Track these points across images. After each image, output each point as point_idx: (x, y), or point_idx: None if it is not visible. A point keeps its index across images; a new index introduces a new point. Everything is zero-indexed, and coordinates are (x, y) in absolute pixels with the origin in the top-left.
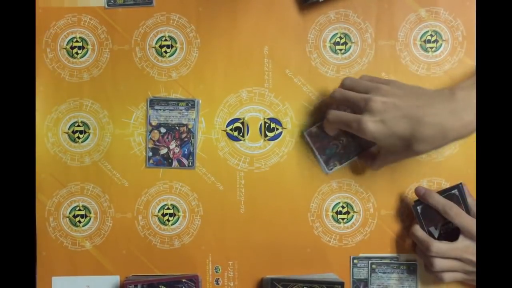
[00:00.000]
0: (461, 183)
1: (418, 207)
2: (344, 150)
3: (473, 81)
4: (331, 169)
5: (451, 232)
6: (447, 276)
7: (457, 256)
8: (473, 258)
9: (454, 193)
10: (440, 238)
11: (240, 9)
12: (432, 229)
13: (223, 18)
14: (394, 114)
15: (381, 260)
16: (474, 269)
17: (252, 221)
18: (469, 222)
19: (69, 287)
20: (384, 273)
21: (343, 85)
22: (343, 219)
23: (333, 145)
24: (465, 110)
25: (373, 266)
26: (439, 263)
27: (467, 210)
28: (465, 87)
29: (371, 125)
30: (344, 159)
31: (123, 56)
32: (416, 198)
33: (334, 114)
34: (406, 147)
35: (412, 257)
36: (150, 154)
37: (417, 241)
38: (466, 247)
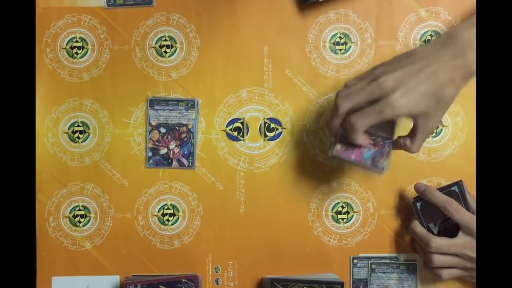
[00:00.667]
0: (460, 180)
1: (417, 204)
2: (378, 147)
3: (470, 21)
4: (383, 167)
5: (450, 229)
6: (446, 272)
7: (456, 252)
8: (473, 254)
9: (453, 190)
10: (439, 234)
11: (240, 9)
12: (431, 225)
13: (223, 18)
14: (410, 80)
15: (380, 260)
16: (473, 265)
17: (252, 221)
18: (468, 219)
19: (69, 287)
20: (384, 273)
21: (339, 93)
22: (343, 219)
23: (365, 149)
24: (469, 48)
25: (373, 266)
26: (438, 259)
27: (467, 207)
28: (463, 28)
29: (401, 100)
30: (385, 153)
31: (123, 56)
32: (416, 195)
33: (357, 117)
34: (438, 100)
35: (412, 257)
36: (150, 154)
37: (416, 237)
38: (465, 243)
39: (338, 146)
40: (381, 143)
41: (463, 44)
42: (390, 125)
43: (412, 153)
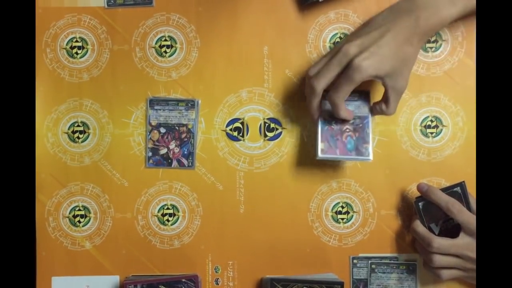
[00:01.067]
0: (463, 181)
1: (419, 203)
2: (358, 132)
3: None
4: (368, 153)
5: (451, 229)
6: (446, 273)
7: (457, 252)
8: (474, 255)
9: (456, 191)
10: (441, 234)
11: (240, 9)
12: (432, 225)
13: (223, 18)
14: (372, 45)
15: (380, 260)
16: (473, 266)
17: (252, 221)
18: (471, 220)
19: (69, 287)
20: (384, 273)
21: (309, 73)
22: (342, 219)
23: (347, 138)
24: (422, 9)
25: (373, 266)
26: (439, 260)
27: (469, 208)
28: None
29: (366, 62)
30: (366, 137)
31: (123, 56)
32: (417, 194)
33: (333, 91)
34: (401, 60)
35: (412, 257)
36: (150, 154)
37: (417, 237)
38: (467, 244)
39: (322, 146)
40: (360, 125)
41: (416, 6)
42: (364, 103)
43: (389, 115)
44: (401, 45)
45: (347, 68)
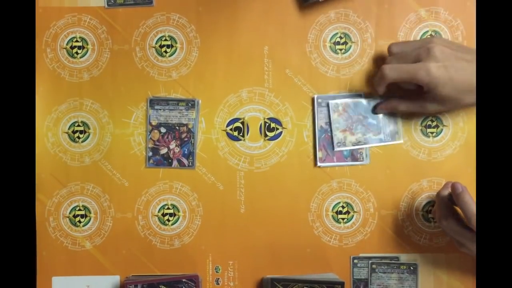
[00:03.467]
0: None
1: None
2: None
3: None
4: (363, 159)
5: None
6: None
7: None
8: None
9: None
10: None
11: (240, 9)
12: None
13: (224, 18)
14: (455, 61)
15: (381, 260)
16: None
17: (252, 221)
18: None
19: (69, 287)
20: (384, 273)
21: (391, 50)
22: (343, 219)
23: (344, 149)
24: None
25: (373, 266)
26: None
27: None
28: None
29: (435, 70)
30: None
31: (123, 56)
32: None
33: (392, 67)
34: (458, 98)
35: (412, 257)
36: (150, 154)
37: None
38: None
39: (319, 155)
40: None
41: None
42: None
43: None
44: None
45: (420, 62)
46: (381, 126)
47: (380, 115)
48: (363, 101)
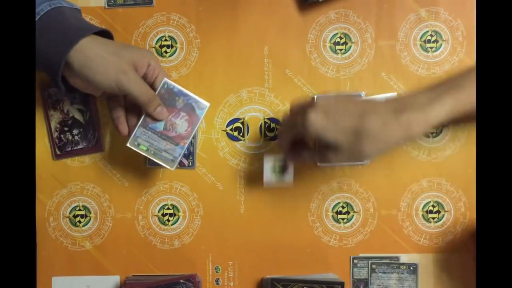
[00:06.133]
0: None
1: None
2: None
3: (427, 89)
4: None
5: None
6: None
7: None
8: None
9: None
10: None
11: (240, 9)
12: None
13: (224, 18)
14: (338, 109)
15: (381, 260)
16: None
17: (252, 221)
18: None
19: (69, 287)
20: (384, 273)
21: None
22: (343, 219)
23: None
24: (408, 109)
25: (373, 266)
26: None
27: None
28: (414, 92)
29: (313, 116)
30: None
31: None
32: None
33: (279, 134)
34: (352, 145)
35: (412, 257)
36: None
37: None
38: None
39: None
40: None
41: (407, 103)
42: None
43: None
44: (366, 119)
45: (301, 115)
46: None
47: None
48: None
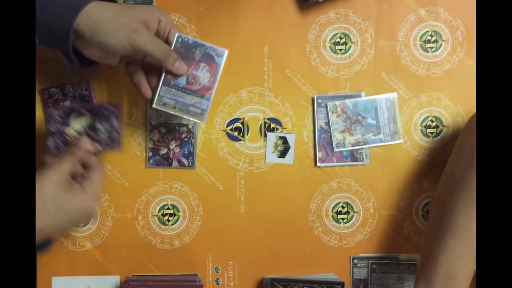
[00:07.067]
0: None
1: None
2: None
3: None
4: (363, 159)
5: None
6: None
7: None
8: None
9: None
10: None
11: (240, 9)
12: None
13: (223, 18)
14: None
15: (381, 260)
16: None
17: (252, 221)
18: None
19: (69, 287)
20: (384, 273)
21: None
22: (343, 219)
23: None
24: None
25: (373, 266)
26: None
27: None
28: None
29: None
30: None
31: None
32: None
33: None
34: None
35: (412, 257)
36: (150, 154)
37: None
38: None
39: (319, 155)
40: (362, 125)
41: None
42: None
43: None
44: None
45: None
46: (381, 126)
47: (380, 115)
48: (361, 101)
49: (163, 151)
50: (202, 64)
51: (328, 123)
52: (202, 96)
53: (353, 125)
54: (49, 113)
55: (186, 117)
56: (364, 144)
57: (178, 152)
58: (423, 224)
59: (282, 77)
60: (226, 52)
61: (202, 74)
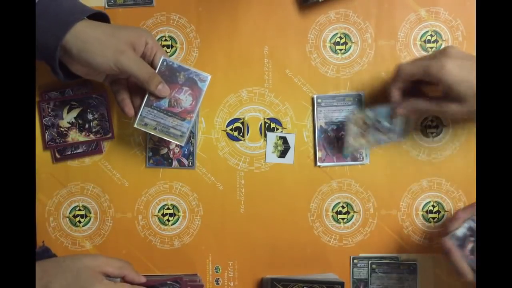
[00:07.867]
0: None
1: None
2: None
3: None
4: (363, 159)
5: None
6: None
7: None
8: None
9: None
10: None
11: (240, 9)
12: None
13: (223, 18)
14: (469, 61)
15: (381, 260)
16: None
17: (252, 221)
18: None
19: None
20: (384, 273)
21: (401, 69)
22: (343, 219)
23: (343, 148)
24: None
25: (373, 266)
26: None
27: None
28: None
29: (450, 66)
30: (370, 142)
31: None
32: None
33: (407, 62)
34: (474, 101)
35: (412, 257)
36: (150, 154)
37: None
38: None
39: (319, 155)
40: (376, 128)
41: None
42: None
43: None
44: None
45: (435, 58)
46: (392, 127)
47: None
48: (384, 109)
49: (163, 151)
50: (185, 88)
51: (328, 123)
52: (183, 119)
53: (368, 129)
54: (42, 107)
55: (166, 138)
56: (374, 143)
57: (178, 152)
58: (423, 224)
59: (282, 77)
60: (209, 77)
61: (185, 98)
